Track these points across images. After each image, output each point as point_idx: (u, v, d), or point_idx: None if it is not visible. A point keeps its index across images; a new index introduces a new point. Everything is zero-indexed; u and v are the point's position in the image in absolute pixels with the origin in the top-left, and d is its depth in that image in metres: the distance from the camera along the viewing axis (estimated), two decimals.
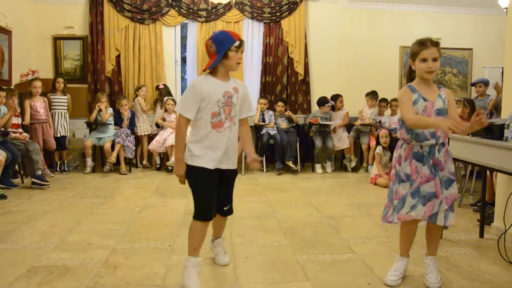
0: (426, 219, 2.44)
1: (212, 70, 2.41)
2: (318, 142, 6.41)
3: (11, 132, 5.05)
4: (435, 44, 2.34)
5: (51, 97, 6.10)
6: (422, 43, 2.34)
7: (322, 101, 6.55)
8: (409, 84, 2.46)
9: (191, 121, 2.38)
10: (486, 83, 5.74)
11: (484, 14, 7.53)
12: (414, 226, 2.47)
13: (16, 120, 5.31)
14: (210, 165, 2.37)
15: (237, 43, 2.34)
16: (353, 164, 6.51)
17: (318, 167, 6.38)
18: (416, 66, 2.38)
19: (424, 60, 2.32)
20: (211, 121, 2.35)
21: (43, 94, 5.96)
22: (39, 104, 5.78)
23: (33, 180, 5.02)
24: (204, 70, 2.44)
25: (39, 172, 5.12)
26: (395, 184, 2.45)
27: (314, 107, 6.93)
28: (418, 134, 2.36)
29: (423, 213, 2.38)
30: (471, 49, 7.61)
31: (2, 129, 4.92)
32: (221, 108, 2.35)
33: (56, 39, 6.85)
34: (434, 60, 2.32)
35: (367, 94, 6.61)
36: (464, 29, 7.56)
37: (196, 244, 2.41)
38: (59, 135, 6.07)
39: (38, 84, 5.79)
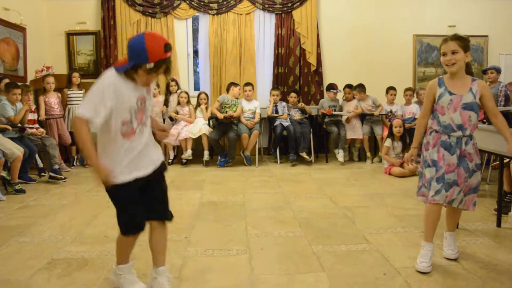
0: (446, 203, 2.57)
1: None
2: (333, 128, 6.37)
3: (27, 128, 5.13)
4: (455, 38, 2.47)
5: (68, 92, 6.16)
6: (443, 40, 2.52)
7: (328, 87, 6.66)
8: (440, 76, 2.61)
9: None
10: (498, 70, 5.68)
11: None
12: (438, 209, 2.56)
13: (32, 116, 5.40)
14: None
15: (150, 65, 1.90)
16: (369, 162, 6.39)
17: (339, 154, 6.24)
18: (441, 61, 2.55)
19: (444, 54, 2.50)
20: (121, 130, 1.99)
21: (58, 89, 6.03)
22: (53, 99, 5.86)
23: (51, 174, 5.11)
24: (115, 67, 1.97)
25: (56, 166, 5.20)
26: (423, 168, 2.62)
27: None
28: (446, 126, 2.52)
29: (444, 198, 2.51)
30: (486, 36, 7.45)
31: (19, 125, 5.00)
32: (133, 116, 2.01)
33: (69, 35, 6.92)
34: (453, 53, 2.46)
35: (354, 88, 6.59)
36: (479, 16, 7.40)
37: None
38: None
39: (51, 79, 5.86)
